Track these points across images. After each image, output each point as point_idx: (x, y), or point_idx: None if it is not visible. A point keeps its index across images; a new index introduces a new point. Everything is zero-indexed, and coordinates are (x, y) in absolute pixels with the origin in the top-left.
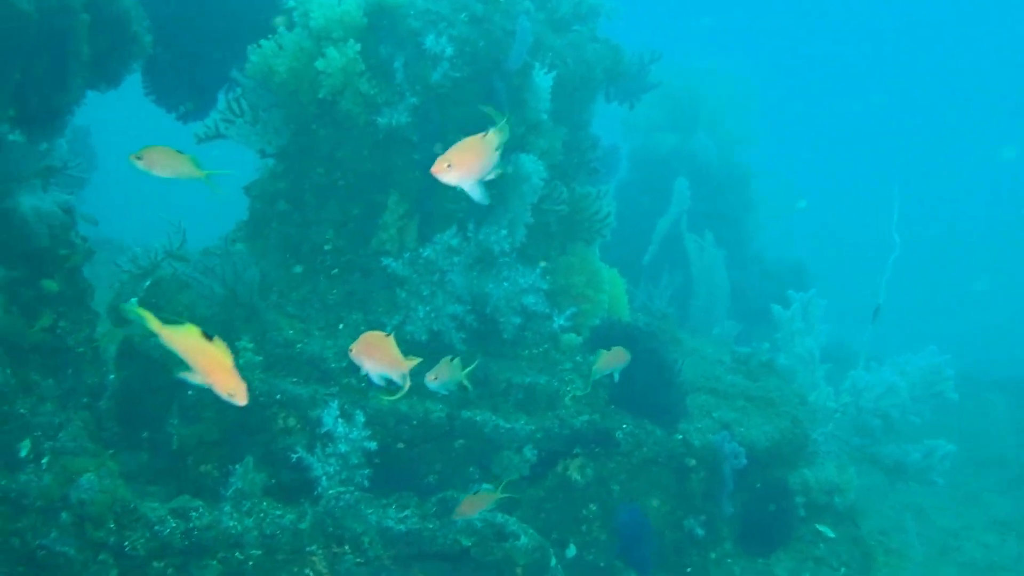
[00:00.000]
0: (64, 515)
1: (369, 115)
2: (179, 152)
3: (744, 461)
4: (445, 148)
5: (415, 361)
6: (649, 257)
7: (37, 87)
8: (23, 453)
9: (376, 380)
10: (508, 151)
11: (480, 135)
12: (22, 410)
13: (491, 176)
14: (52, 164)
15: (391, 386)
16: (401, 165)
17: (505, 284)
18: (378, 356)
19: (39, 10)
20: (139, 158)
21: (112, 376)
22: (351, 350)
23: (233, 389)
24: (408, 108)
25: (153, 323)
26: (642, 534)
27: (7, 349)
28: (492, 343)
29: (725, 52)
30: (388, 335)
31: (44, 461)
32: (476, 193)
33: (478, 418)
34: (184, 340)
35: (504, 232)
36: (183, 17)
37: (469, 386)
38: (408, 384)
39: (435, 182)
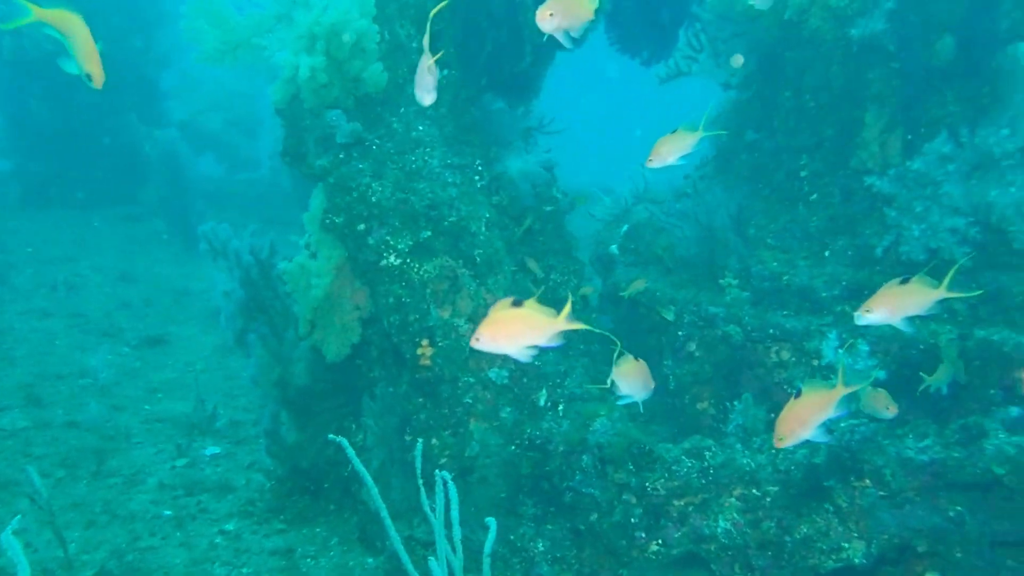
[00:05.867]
0: (585, 458)
1: (839, 29)
2: None
3: None
4: None
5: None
6: None
7: (500, 57)
8: (541, 402)
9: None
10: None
11: None
12: (536, 362)
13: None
14: (530, 125)
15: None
16: (878, 77)
17: (1011, 189)
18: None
19: None
20: None
21: (597, 319)
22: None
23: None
24: (884, 14)
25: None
26: None
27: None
28: (1000, 254)
29: None
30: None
31: (560, 408)
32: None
33: (995, 337)
34: (71, 24)
35: (1006, 132)
36: None
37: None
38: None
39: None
